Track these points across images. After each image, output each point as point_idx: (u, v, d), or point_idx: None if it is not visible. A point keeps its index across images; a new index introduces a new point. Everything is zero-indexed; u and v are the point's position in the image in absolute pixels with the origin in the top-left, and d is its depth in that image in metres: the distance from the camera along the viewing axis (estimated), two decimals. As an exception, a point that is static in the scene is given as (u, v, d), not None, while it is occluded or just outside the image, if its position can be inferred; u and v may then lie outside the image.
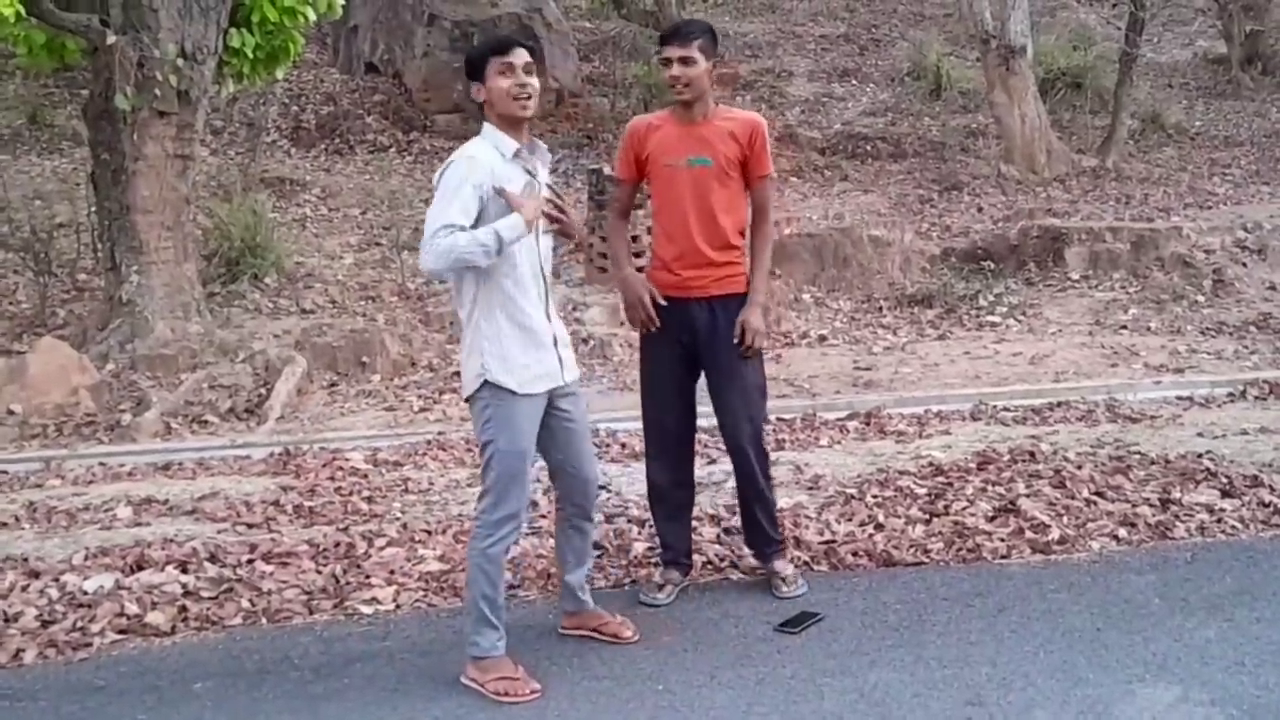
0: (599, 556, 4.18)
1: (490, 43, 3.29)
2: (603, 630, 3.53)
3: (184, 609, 3.82)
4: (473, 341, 3.22)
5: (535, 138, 3.35)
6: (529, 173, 3.25)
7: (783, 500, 4.64)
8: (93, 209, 8.41)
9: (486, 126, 3.25)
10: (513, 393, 3.19)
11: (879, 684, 3.17)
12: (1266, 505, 4.47)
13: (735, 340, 3.68)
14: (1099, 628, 3.50)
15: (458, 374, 7.45)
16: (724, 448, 3.98)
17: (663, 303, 3.70)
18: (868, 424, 6.21)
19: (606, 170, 9.47)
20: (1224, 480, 4.76)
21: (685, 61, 3.64)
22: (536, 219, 3.16)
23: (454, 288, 3.26)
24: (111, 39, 7.39)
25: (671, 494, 3.90)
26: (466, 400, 3.30)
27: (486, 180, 3.12)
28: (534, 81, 3.22)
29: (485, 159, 3.16)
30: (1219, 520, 4.38)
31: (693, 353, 3.75)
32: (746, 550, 4.04)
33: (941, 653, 3.37)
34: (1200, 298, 9.06)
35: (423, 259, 3.10)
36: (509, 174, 3.18)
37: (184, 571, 4.09)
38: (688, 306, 3.71)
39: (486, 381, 3.19)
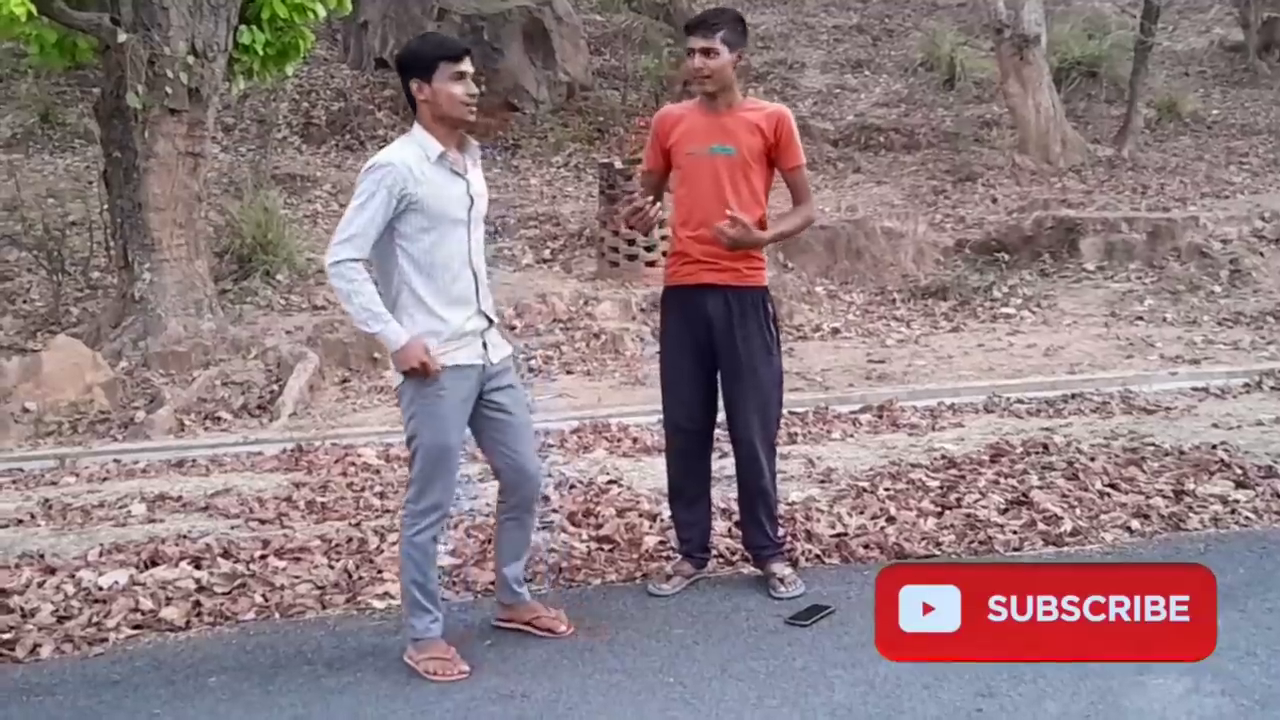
0: (610, 550, 4.19)
1: (441, 45, 3.28)
2: (536, 624, 3.54)
3: (198, 604, 3.84)
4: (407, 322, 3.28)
5: (466, 135, 3.35)
6: (456, 174, 3.25)
7: (794, 493, 4.65)
8: (105, 207, 8.46)
9: (416, 126, 3.25)
10: (450, 380, 3.22)
11: (889, 676, 3.17)
12: (1280, 496, 4.45)
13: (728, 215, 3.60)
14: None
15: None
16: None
17: None
18: (880, 417, 6.19)
19: (617, 164, 9.47)
20: (1238, 471, 4.73)
21: (707, 53, 3.65)
22: (408, 371, 3.18)
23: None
24: (122, 37, 7.42)
25: (687, 486, 3.89)
26: (396, 386, 3.35)
27: (405, 184, 3.14)
28: (475, 88, 3.28)
29: (406, 161, 3.17)
30: (1233, 511, 4.35)
31: (711, 345, 3.73)
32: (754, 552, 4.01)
33: (953, 645, 3.35)
34: (1217, 288, 9.00)
35: (330, 265, 3.17)
36: (432, 175, 3.19)
37: (198, 567, 4.11)
38: (705, 296, 3.70)
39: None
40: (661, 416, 3.89)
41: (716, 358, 3.75)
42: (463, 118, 3.23)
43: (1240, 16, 16.17)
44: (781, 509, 4.15)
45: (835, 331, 8.49)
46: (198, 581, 3.99)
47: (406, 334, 3.16)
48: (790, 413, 6.17)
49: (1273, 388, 6.47)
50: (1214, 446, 5.09)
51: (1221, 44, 16.73)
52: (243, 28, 7.93)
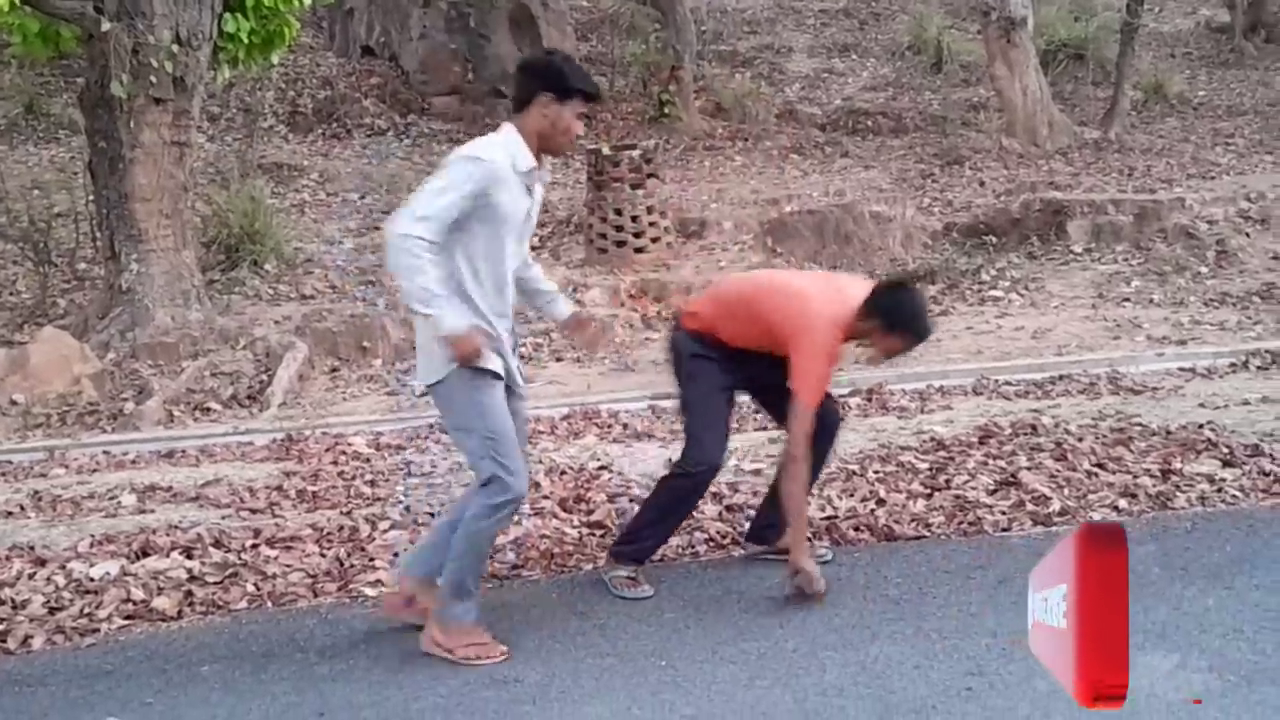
0: (601, 535, 4.20)
1: (589, 80, 3.30)
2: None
3: (189, 594, 3.84)
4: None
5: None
6: (529, 190, 3.25)
7: (784, 476, 4.66)
8: (91, 198, 8.41)
9: (512, 131, 3.22)
10: (495, 375, 3.19)
11: (880, 656, 3.19)
12: (1267, 474, 4.48)
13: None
14: (1100, 598, 3.50)
15: (459, 356, 7.47)
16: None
17: None
18: (870, 400, 6.21)
19: (605, 151, 9.45)
20: (1225, 450, 4.76)
21: None
22: (462, 358, 3.11)
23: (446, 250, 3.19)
24: (106, 26, 7.37)
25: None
26: (431, 385, 3.24)
27: (491, 185, 3.11)
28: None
29: (499, 162, 3.14)
30: (1219, 490, 4.38)
31: (745, 373, 3.74)
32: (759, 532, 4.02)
33: (942, 625, 3.38)
34: (1203, 269, 9.02)
35: (397, 236, 3.04)
36: (513, 184, 3.17)
37: (189, 557, 4.11)
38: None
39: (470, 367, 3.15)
40: (696, 458, 3.66)
41: (754, 380, 3.76)
42: (564, 151, 3.29)
43: (1227, -3, 16.20)
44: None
45: (824, 316, 8.49)
46: (189, 571, 3.99)
47: (466, 320, 3.11)
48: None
49: (1259, 367, 6.50)
50: (1200, 426, 5.12)
51: (1208, 25, 16.75)
52: (227, 15, 7.88)
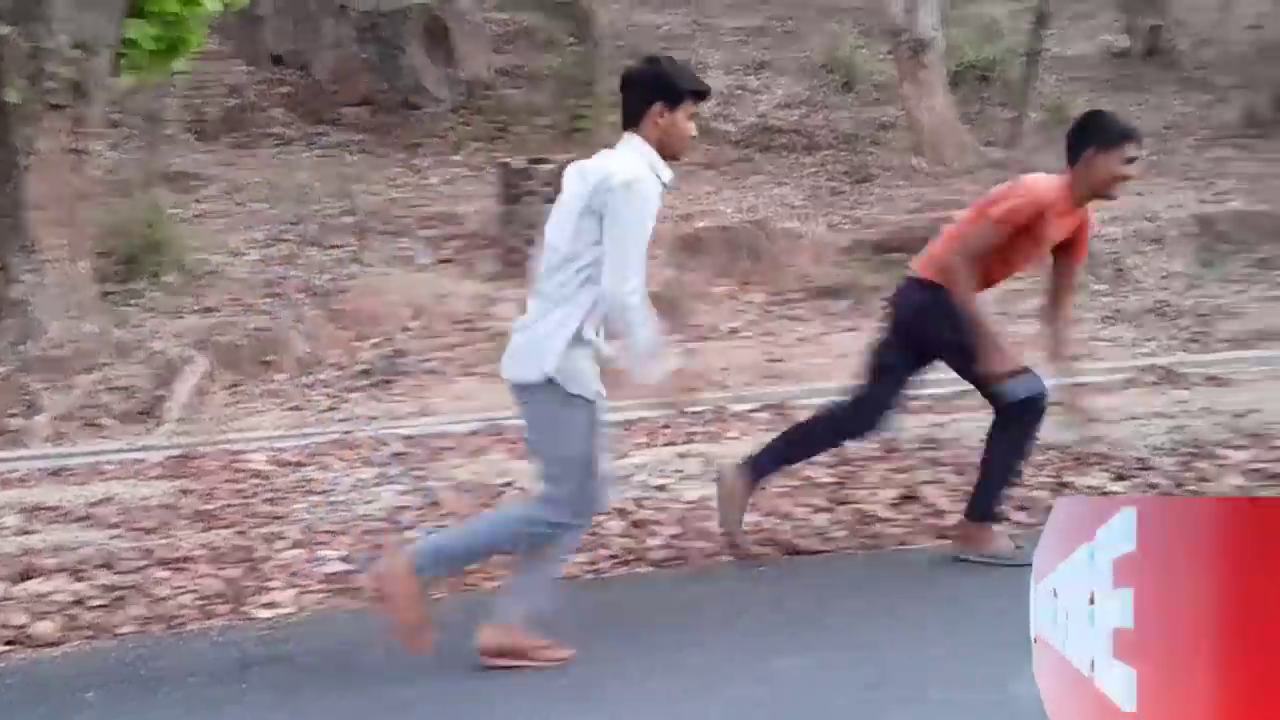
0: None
1: (696, 80, 3.31)
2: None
3: (74, 618, 3.71)
4: (570, 332, 3.15)
5: None
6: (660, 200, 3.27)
7: (691, 492, 4.68)
8: (-18, 205, 8.10)
9: (643, 144, 3.21)
10: (591, 402, 3.18)
11: (785, 669, 3.21)
12: (1154, 487, 4.62)
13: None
14: (999, 609, 3.54)
15: (365, 371, 7.35)
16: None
17: None
18: (778, 415, 6.25)
19: (519, 164, 9.41)
20: (1116, 464, 4.90)
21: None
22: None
23: (578, 260, 3.15)
24: (2, 30, 7.13)
25: None
26: (526, 384, 3.19)
27: (655, 208, 3.17)
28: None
29: (654, 185, 3.17)
30: (1111, 503, 4.50)
31: None
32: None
33: (843, 638, 3.42)
34: (1101, 286, 9.29)
35: (632, 301, 3.09)
36: (658, 198, 3.19)
37: (75, 579, 3.97)
38: None
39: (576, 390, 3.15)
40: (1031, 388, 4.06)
41: None
42: (683, 154, 3.28)
43: (1126, 24, 16.76)
44: (677, 508, 4.20)
45: (734, 331, 8.56)
46: (74, 594, 3.86)
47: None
48: (689, 412, 6.20)
49: (1151, 382, 6.71)
50: (1093, 440, 5.25)
51: (1109, 50, 17.31)
52: (130, 21, 7.67)
